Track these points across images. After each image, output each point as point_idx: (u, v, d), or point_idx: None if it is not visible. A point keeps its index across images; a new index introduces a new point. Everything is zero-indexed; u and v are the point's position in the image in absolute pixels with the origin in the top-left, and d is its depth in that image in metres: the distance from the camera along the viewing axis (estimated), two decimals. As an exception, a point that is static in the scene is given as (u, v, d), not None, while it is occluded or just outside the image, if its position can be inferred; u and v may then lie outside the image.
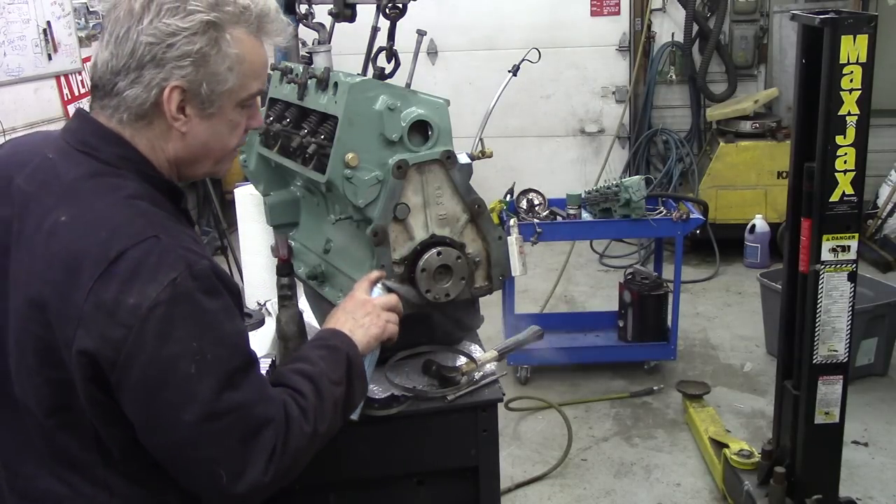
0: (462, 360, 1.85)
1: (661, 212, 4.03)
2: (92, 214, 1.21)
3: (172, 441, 1.19)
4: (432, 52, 6.67)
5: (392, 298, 1.60)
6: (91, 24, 5.79)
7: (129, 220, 1.20)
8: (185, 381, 1.16)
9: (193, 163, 1.35)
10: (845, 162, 2.49)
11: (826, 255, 2.58)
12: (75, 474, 1.26)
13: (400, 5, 1.86)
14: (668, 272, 4.38)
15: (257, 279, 2.48)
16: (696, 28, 6.07)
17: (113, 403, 1.20)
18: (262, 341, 2.11)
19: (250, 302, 2.35)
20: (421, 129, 1.72)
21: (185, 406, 1.16)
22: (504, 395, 1.82)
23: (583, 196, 4.17)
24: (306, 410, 1.29)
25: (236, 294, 1.28)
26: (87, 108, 1.35)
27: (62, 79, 5.46)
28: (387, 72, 1.92)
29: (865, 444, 3.59)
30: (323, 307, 1.99)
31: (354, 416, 1.53)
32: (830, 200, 2.53)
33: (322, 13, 1.99)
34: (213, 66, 1.26)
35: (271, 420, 1.24)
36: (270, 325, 2.14)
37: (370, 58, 1.99)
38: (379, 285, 1.63)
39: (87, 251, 1.17)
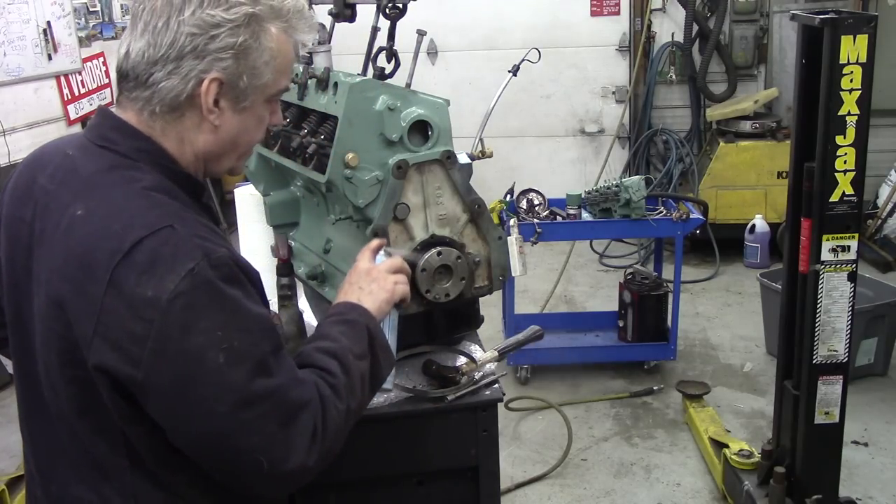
0: (462, 360, 1.85)
1: (661, 212, 4.03)
2: (106, 207, 1.18)
3: (209, 435, 1.16)
4: (432, 52, 6.67)
5: (396, 261, 1.59)
6: (91, 25, 5.79)
7: (143, 210, 1.17)
8: (215, 373, 1.12)
9: (220, 157, 1.32)
10: (845, 162, 2.49)
11: (826, 255, 2.58)
12: (104, 481, 1.24)
13: (400, 5, 1.86)
14: (668, 272, 4.38)
15: (257, 279, 2.48)
16: (696, 28, 6.07)
17: (137, 406, 1.17)
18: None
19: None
20: (421, 129, 1.72)
21: (218, 397, 1.13)
22: (504, 395, 1.82)
23: (583, 196, 4.17)
24: (337, 388, 1.28)
25: (257, 281, 1.26)
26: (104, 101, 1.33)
27: (62, 79, 5.46)
28: (387, 72, 1.93)
29: (865, 444, 3.59)
30: (323, 307, 1.99)
31: (388, 385, 1.56)
32: (830, 200, 2.53)
33: (322, 13, 1.99)
34: (252, 60, 1.24)
35: (307, 402, 1.21)
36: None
37: (370, 58, 1.99)
38: (381, 252, 1.62)
39: (100, 245, 1.14)
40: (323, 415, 1.23)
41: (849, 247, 2.57)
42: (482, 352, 1.89)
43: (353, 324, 1.40)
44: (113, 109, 1.29)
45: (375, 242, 1.63)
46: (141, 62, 1.22)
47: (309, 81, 1.80)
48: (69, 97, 5.54)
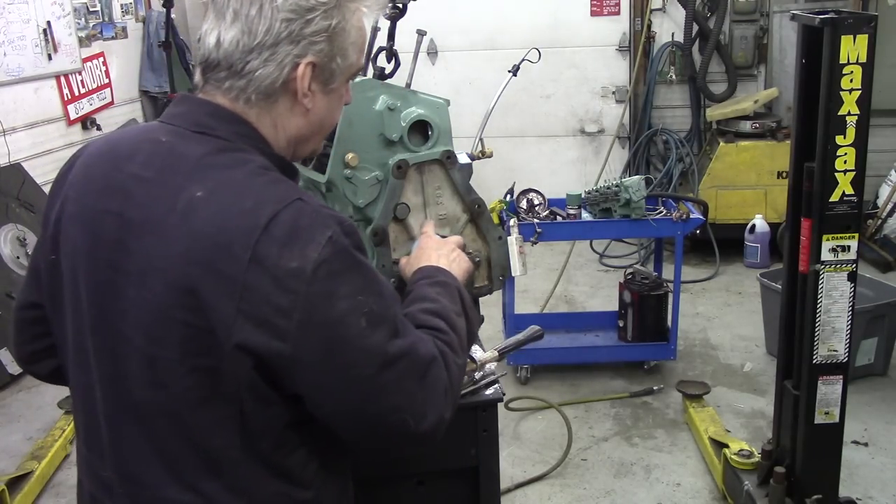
0: (462, 360, 1.85)
1: (661, 212, 4.03)
2: (230, 186, 1.17)
3: (356, 399, 1.17)
4: (432, 52, 6.67)
5: (461, 238, 1.70)
6: (91, 25, 5.79)
7: (269, 186, 1.18)
8: (359, 337, 1.15)
9: (309, 139, 1.33)
10: (845, 162, 2.49)
11: (826, 255, 2.58)
12: (211, 479, 1.20)
13: (400, 5, 1.86)
14: (668, 272, 4.38)
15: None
16: (696, 28, 6.07)
17: (274, 386, 1.16)
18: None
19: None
20: (421, 128, 1.72)
21: (363, 361, 1.16)
22: (504, 395, 1.82)
23: (583, 196, 4.17)
24: (452, 344, 1.32)
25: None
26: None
27: (62, 79, 5.47)
28: (387, 72, 1.93)
29: (865, 444, 3.59)
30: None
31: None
32: (830, 200, 2.53)
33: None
34: (342, 41, 1.25)
35: (433, 357, 1.25)
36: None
37: (370, 58, 1.99)
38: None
39: (234, 223, 1.13)
40: (447, 368, 1.27)
41: (849, 247, 2.57)
42: (482, 352, 1.89)
43: (446, 285, 1.45)
44: (201, 96, 1.27)
45: (431, 223, 1.73)
46: (235, 51, 1.21)
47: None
48: (69, 97, 5.55)
